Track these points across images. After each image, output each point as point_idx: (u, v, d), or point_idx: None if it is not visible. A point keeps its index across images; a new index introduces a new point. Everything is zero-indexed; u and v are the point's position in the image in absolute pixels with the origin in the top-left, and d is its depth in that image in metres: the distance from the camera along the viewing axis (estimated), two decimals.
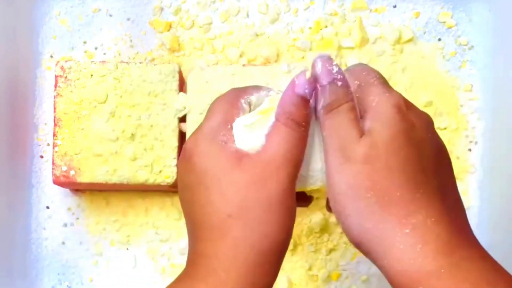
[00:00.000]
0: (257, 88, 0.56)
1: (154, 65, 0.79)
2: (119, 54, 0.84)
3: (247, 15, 0.84)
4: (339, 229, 0.81)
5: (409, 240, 0.49)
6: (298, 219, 0.80)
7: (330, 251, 0.82)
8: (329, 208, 0.54)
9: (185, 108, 0.78)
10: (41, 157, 0.84)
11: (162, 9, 0.84)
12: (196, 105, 0.78)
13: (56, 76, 0.79)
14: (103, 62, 0.80)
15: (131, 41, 0.84)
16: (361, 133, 0.51)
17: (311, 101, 0.52)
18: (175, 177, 0.78)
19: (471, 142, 0.83)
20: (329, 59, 0.52)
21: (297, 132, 0.52)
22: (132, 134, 0.78)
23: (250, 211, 0.51)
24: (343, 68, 0.53)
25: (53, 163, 0.78)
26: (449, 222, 0.50)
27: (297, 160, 0.52)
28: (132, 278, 0.83)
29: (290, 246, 0.81)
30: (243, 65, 0.79)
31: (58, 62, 0.79)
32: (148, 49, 0.84)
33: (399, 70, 0.83)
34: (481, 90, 0.83)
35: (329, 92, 0.52)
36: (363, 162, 0.50)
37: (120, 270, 0.83)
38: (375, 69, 0.54)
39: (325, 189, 0.53)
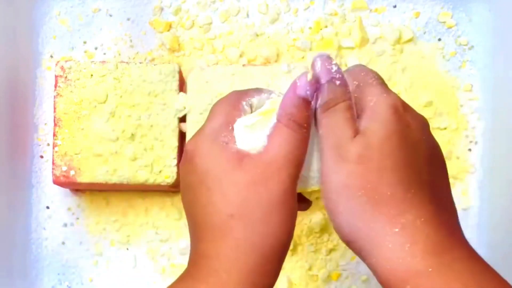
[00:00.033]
0: (258, 90, 0.56)
1: (154, 65, 0.79)
2: (119, 54, 0.84)
3: (247, 15, 0.84)
4: None
5: (398, 239, 0.49)
6: (298, 219, 0.79)
7: (330, 251, 0.82)
8: None
9: (185, 108, 0.78)
10: (41, 157, 0.84)
11: (162, 9, 0.84)
12: (196, 105, 0.78)
13: (56, 76, 0.79)
14: (103, 62, 0.79)
15: (131, 41, 0.84)
16: (357, 132, 0.51)
17: (313, 102, 0.52)
18: (175, 177, 0.78)
19: (471, 142, 0.83)
20: (328, 58, 0.52)
21: (299, 133, 0.52)
22: (132, 134, 0.78)
23: (251, 212, 0.51)
24: (343, 68, 0.53)
25: (53, 163, 0.78)
26: (440, 223, 0.50)
27: (298, 161, 0.52)
28: (132, 278, 0.83)
29: (290, 246, 0.81)
30: (243, 65, 0.79)
31: (58, 62, 0.79)
32: (148, 49, 0.84)
33: (399, 70, 0.83)
34: (481, 90, 0.83)
35: (327, 91, 0.52)
36: (357, 162, 0.50)
37: (120, 270, 0.83)
38: (374, 70, 0.55)
39: None
